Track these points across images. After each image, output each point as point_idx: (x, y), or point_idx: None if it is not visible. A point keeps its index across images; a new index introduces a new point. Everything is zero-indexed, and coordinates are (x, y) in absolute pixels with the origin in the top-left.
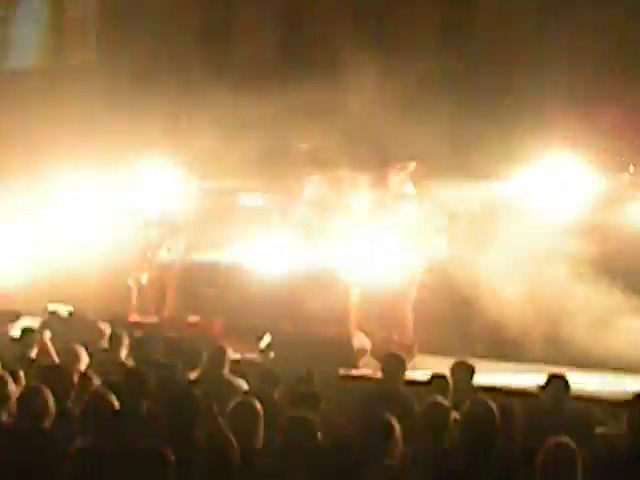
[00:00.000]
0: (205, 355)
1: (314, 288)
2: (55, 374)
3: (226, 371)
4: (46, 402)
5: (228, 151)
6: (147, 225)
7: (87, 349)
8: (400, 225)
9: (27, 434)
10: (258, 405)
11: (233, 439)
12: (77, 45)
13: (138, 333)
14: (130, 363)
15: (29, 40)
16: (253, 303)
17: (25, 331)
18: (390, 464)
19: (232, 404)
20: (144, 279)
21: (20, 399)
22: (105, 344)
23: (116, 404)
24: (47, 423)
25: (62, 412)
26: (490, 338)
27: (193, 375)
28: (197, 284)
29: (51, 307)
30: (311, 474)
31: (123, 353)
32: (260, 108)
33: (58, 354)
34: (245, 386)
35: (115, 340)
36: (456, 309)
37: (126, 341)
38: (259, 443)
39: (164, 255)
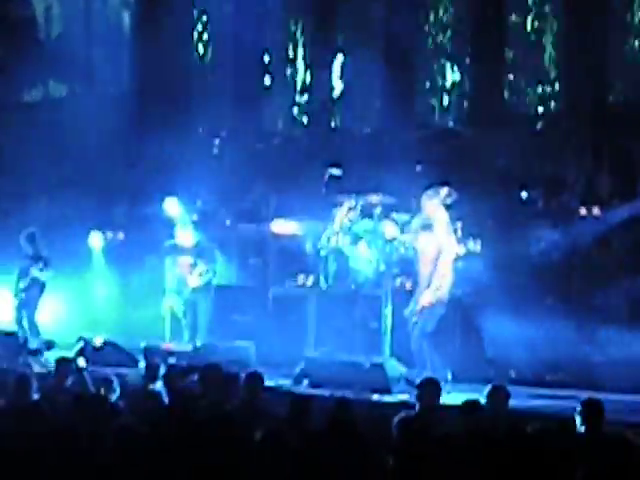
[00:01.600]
0: (241, 382)
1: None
2: (90, 403)
3: (260, 399)
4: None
5: None
6: (178, 251)
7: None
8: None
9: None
10: (286, 436)
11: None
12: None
13: (172, 361)
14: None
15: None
16: (289, 328)
17: (61, 361)
18: None
19: (259, 435)
20: (178, 305)
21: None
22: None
23: (144, 436)
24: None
25: (95, 440)
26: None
27: (230, 404)
28: (229, 309)
29: (86, 337)
30: None
31: (158, 383)
32: None
33: (92, 384)
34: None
35: (150, 370)
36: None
37: (162, 370)
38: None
39: (196, 280)
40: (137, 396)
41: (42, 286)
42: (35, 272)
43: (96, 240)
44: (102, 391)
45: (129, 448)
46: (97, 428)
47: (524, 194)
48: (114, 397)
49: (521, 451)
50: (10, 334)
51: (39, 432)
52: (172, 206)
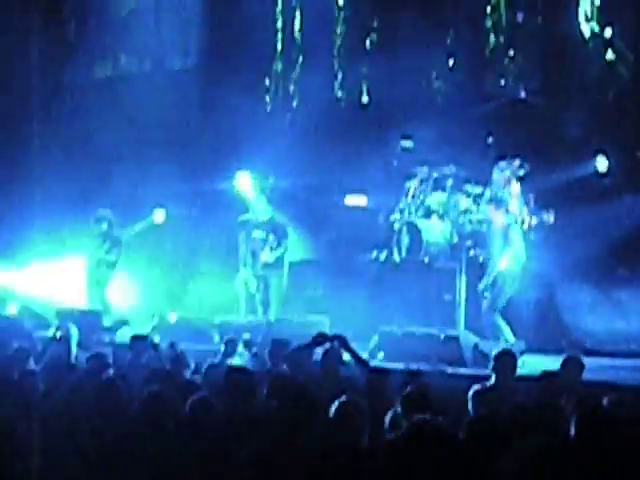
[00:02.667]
0: (320, 355)
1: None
2: (166, 379)
3: (337, 372)
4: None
5: None
6: (251, 226)
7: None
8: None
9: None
10: (364, 404)
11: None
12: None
13: (246, 336)
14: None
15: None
16: (363, 302)
17: (136, 338)
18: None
19: (337, 404)
20: (251, 280)
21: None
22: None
23: (218, 411)
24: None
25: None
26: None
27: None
28: (303, 284)
29: (160, 313)
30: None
31: (235, 359)
32: None
33: (167, 360)
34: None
35: (229, 346)
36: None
37: (238, 347)
38: (365, 442)
39: (268, 256)
40: (215, 372)
41: (113, 265)
42: (102, 253)
43: (159, 216)
44: (177, 367)
45: (204, 422)
46: (171, 404)
47: (599, 164)
48: (189, 373)
49: (596, 423)
50: (84, 312)
51: (115, 409)
52: (244, 180)
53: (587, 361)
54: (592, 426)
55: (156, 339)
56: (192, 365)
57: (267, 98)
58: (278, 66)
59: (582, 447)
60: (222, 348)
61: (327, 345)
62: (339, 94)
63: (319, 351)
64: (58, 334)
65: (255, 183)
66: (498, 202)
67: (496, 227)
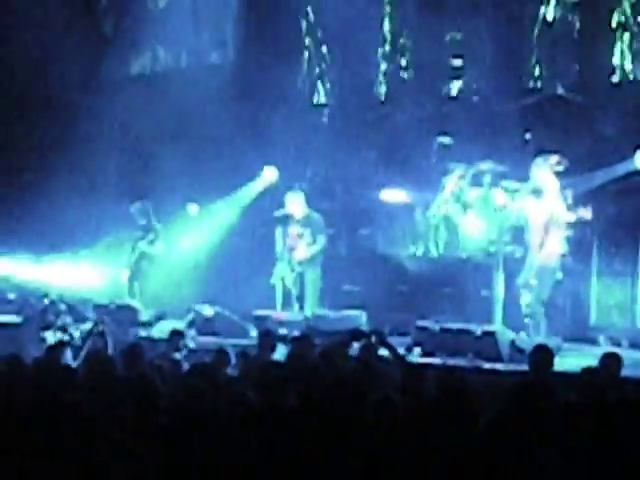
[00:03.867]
0: (357, 350)
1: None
2: (203, 374)
3: (374, 367)
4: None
5: None
6: (288, 221)
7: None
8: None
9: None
10: (399, 400)
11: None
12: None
13: (283, 331)
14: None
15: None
16: (400, 298)
17: (174, 334)
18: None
19: (375, 399)
20: (287, 275)
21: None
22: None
23: (256, 407)
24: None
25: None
26: None
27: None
28: (340, 279)
29: (196, 307)
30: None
31: (272, 353)
32: None
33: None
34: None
35: (264, 340)
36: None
37: (274, 341)
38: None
39: (304, 253)
40: (255, 366)
41: (152, 258)
42: (144, 245)
43: (194, 210)
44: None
45: (242, 420)
46: (209, 399)
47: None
48: (229, 368)
49: (635, 420)
50: (122, 307)
51: (148, 403)
52: (271, 175)
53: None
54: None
55: (192, 334)
56: (232, 360)
57: (305, 92)
58: (315, 60)
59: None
60: (258, 342)
61: (364, 340)
62: (376, 89)
63: (356, 346)
64: (97, 328)
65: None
66: (536, 198)
67: (535, 222)
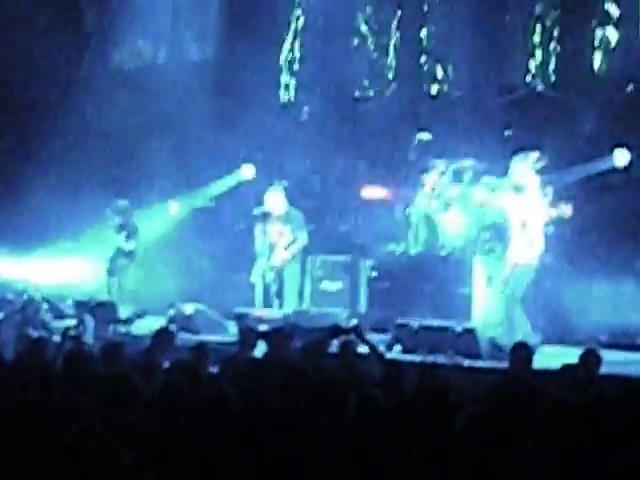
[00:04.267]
0: (335, 347)
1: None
2: (183, 371)
3: (354, 365)
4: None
5: None
6: (267, 219)
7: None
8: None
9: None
10: (380, 399)
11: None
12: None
13: (263, 328)
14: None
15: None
16: (378, 294)
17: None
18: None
19: (354, 397)
20: (267, 273)
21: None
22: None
23: (236, 404)
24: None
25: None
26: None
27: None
28: (320, 276)
29: (176, 304)
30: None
31: (253, 350)
32: None
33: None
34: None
35: (244, 337)
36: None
37: (254, 339)
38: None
39: (284, 253)
40: (234, 364)
41: (129, 255)
42: (120, 242)
43: (174, 208)
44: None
45: (221, 416)
46: (193, 396)
47: (617, 158)
48: (209, 365)
49: (614, 418)
50: (102, 303)
51: (129, 403)
52: (248, 172)
53: (603, 355)
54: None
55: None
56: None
57: (284, 89)
58: (295, 57)
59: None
60: (238, 339)
61: (343, 337)
62: (356, 85)
63: (335, 343)
64: (73, 331)
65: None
66: (516, 194)
67: (515, 218)
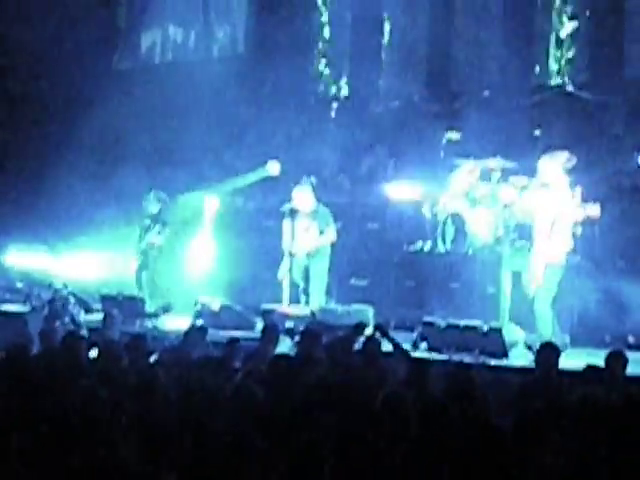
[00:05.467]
0: (359, 345)
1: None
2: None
3: (379, 363)
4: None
5: None
6: (295, 215)
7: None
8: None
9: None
10: (406, 398)
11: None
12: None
13: (289, 324)
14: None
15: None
16: (406, 293)
17: (191, 328)
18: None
19: (383, 395)
20: (295, 269)
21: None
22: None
23: (260, 397)
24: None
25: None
26: None
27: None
28: (347, 273)
29: (203, 300)
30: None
31: (276, 346)
32: None
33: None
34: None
35: (268, 333)
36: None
37: (279, 333)
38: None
39: (310, 245)
40: (256, 360)
41: (159, 249)
42: (152, 235)
43: (212, 204)
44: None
45: (247, 411)
46: (217, 391)
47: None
48: (238, 360)
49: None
50: (129, 298)
51: (151, 396)
52: (274, 169)
53: (630, 356)
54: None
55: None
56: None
57: (315, 85)
58: (325, 55)
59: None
60: (261, 335)
61: (368, 335)
62: (386, 83)
63: (360, 340)
64: (101, 319)
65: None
66: (544, 194)
67: (543, 219)
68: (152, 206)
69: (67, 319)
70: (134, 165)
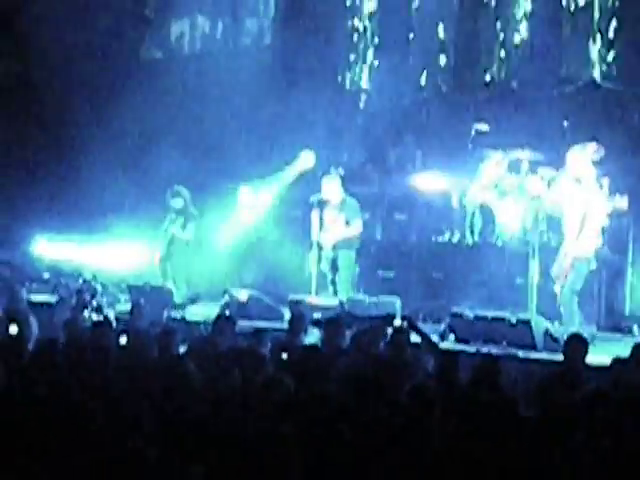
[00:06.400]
0: (388, 336)
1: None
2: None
3: (407, 352)
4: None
5: None
6: (323, 206)
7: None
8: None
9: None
10: (435, 387)
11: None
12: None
13: (317, 315)
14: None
15: None
16: (434, 284)
17: (222, 319)
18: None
19: (409, 387)
20: (323, 260)
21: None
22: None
23: (291, 388)
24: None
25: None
26: None
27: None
28: (375, 264)
29: (231, 291)
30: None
31: (303, 337)
32: None
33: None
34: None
35: (295, 324)
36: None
37: (306, 324)
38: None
39: (338, 236)
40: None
41: (183, 242)
42: (175, 228)
43: (245, 195)
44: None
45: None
46: (244, 381)
47: None
48: (265, 350)
49: None
50: (156, 288)
51: (180, 388)
52: (308, 159)
53: None
54: None
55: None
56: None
57: (341, 78)
58: (353, 47)
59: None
60: (289, 325)
61: (395, 326)
62: (415, 74)
63: (389, 332)
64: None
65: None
66: (573, 186)
67: (572, 211)
68: (175, 201)
69: (94, 309)
70: (164, 155)
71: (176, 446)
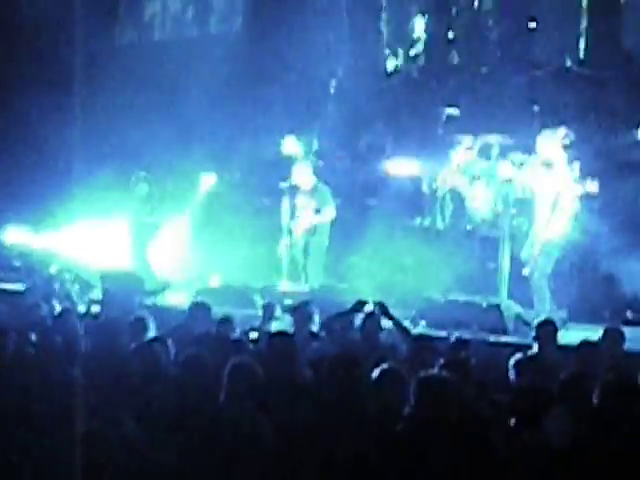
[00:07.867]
0: (360, 321)
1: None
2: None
3: (378, 339)
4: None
5: None
6: (294, 192)
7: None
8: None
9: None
10: (405, 372)
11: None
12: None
13: (288, 302)
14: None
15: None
16: (405, 269)
17: (197, 305)
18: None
19: (378, 371)
20: (294, 246)
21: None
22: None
23: (260, 374)
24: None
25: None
26: None
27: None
28: (346, 250)
29: (202, 277)
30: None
31: (273, 323)
32: None
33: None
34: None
35: (267, 310)
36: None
37: (277, 311)
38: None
39: (309, 222)
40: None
41: (156, 227)
42: (147, 213)
43: (208, 182)
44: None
45: (246, 385)
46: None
47: None
48: (234, 335)
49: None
50: (127, 275)
51: (154, 371)
52: (291, 145)
53: (628, 332)
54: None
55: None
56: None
57: (312, 64)
58: (324, 32)
59: (605, 414)
60: (260, 313)
61: (366, 312)
62: (384, 60)
63: (359, 317)
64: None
65: (302, 149)
66: (544, 170)
67: (543, 195)
68: (139, 188)
69: (64, 297)
70: (133, 138)
71: (150, 431)
